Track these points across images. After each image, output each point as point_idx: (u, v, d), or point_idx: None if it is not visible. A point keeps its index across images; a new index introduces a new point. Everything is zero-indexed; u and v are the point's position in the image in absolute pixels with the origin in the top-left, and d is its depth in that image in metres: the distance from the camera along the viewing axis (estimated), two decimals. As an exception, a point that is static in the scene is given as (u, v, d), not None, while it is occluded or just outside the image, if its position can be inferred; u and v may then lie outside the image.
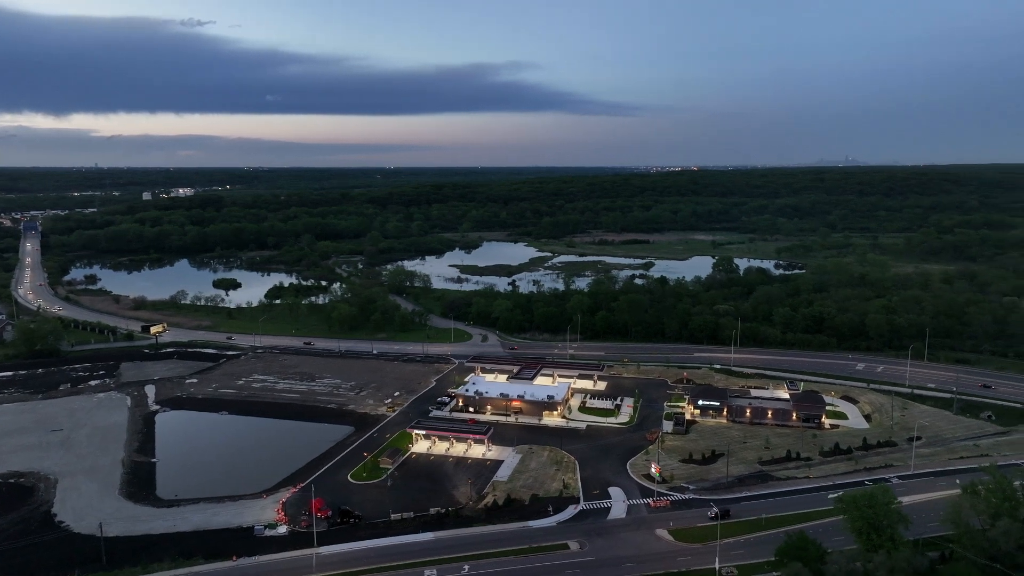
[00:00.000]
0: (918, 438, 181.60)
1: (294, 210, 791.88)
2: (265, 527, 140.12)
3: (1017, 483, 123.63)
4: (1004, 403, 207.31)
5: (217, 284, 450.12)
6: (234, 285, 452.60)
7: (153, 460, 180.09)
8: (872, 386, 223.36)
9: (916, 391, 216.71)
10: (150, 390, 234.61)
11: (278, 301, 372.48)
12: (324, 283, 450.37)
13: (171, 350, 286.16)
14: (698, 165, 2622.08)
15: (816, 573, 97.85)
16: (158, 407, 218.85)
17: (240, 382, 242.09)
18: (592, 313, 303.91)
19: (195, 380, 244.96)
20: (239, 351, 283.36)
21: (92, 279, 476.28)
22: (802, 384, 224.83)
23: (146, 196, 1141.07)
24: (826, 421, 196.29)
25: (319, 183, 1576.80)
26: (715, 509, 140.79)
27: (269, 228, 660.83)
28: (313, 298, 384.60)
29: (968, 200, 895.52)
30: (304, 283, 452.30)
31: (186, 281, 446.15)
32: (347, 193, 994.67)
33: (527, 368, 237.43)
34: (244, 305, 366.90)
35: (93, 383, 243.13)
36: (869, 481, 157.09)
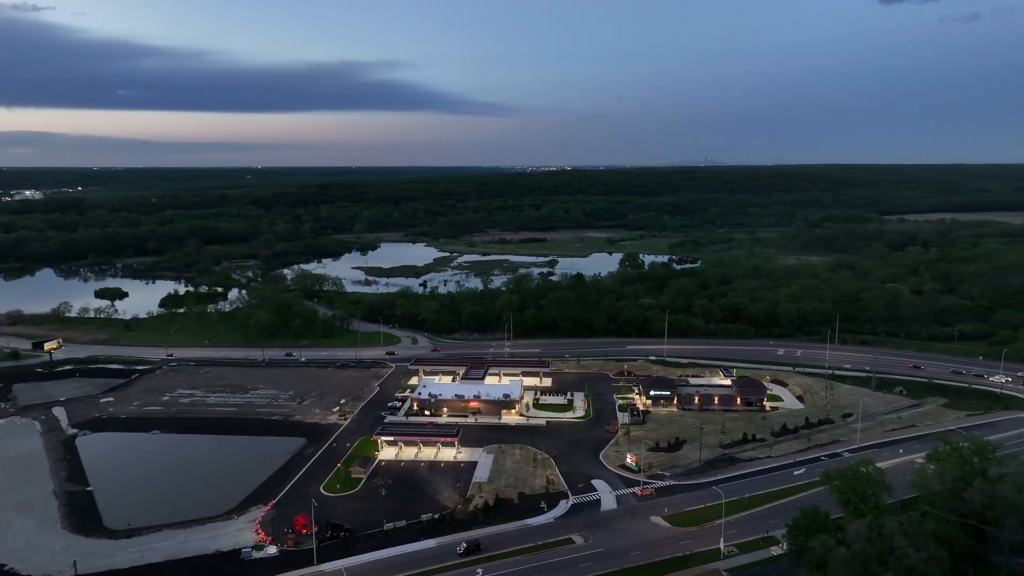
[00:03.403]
0: (850, 415, 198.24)
1: (170, 213, 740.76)
2: (252, 549, 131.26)
3: (964, 444, 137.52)
4: (911, 379, 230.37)
5: (100, 294, 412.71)
6: (120, 294, 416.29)
7: (88, 488, 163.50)
8: (797, 369, 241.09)
9: (836, 372, 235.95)
10: (60, 412, 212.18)
11: (182, 310, 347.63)
12: (220, 289, 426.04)
13: (69, 367, 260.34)
14: (571, 165, 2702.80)
15: (839, 542, 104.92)
16: (76, 430, 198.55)
17: (165, 398, 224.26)
18: (521, 311, 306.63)
19: (111, 399, 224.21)
20: (151, 364, 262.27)
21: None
22: (735, 370, 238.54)
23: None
24: (767, 404, 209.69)
25: (186, 184, 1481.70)
26: (464, 544, 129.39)
27: (147, 233, 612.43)
28: (213, 305, 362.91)
29: (823, 197, 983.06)
30: (198, 290, 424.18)
31: (56, 292, 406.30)
32: (226, 194, 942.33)
33: (475, 368, 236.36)
34: (144, 315, 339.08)
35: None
36: (825, 456, 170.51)
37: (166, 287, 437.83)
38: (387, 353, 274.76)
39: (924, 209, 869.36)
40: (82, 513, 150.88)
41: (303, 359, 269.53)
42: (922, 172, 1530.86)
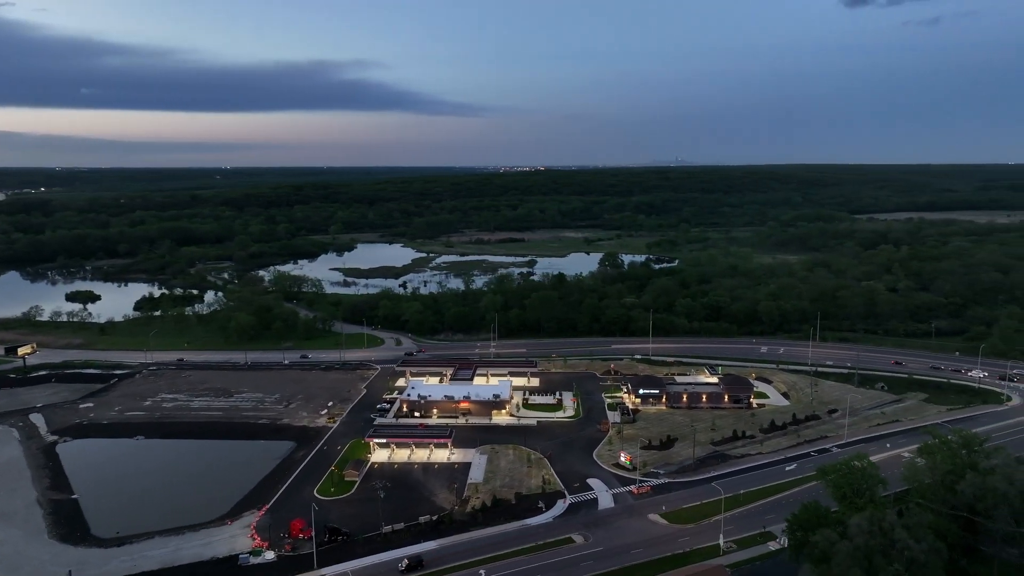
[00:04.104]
0: (835, 410, 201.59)
1: (140, 214, 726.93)
2: (250, 554, 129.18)
3: (951, 438, 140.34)
4: (891, 374, 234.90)
5: (71, 297, 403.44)
6: (92, 297, 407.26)
7: (73, 496, 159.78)
8: (781, 367, 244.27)
9: (818, 369, 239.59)
10: (38, 419, 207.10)
11: (157, 313, 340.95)
12: (196, 292, 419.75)
13: (44, 373, 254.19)
14: (544, 165, 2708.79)
15: (841, 536, 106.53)
16: (56, 437, 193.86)
17: (147, 403, 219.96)
18: (504, 311, 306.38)
19: (91, 404, 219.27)
20: (130, 369, 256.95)
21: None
22: (720, 368, 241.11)
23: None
24: (754, 401, 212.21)
25: (154, 184, 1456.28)
26: (405, 561, 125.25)
27: (118, 234, 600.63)
28: (189, 308, 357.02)
29: (793, 196, 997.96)
30: (173, 292, 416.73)
31: (24, 295, 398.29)
32: (198, 195, 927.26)
33: (463, 368, 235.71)
34: (120, 319, 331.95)
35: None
36: (814, 452, 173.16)
37: (139, 290, 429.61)
38: (407, 354, 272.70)
39: (891, 208, 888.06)
40: (68, 522, 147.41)
41: (286, 361, 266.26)
42: (888, 172, 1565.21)
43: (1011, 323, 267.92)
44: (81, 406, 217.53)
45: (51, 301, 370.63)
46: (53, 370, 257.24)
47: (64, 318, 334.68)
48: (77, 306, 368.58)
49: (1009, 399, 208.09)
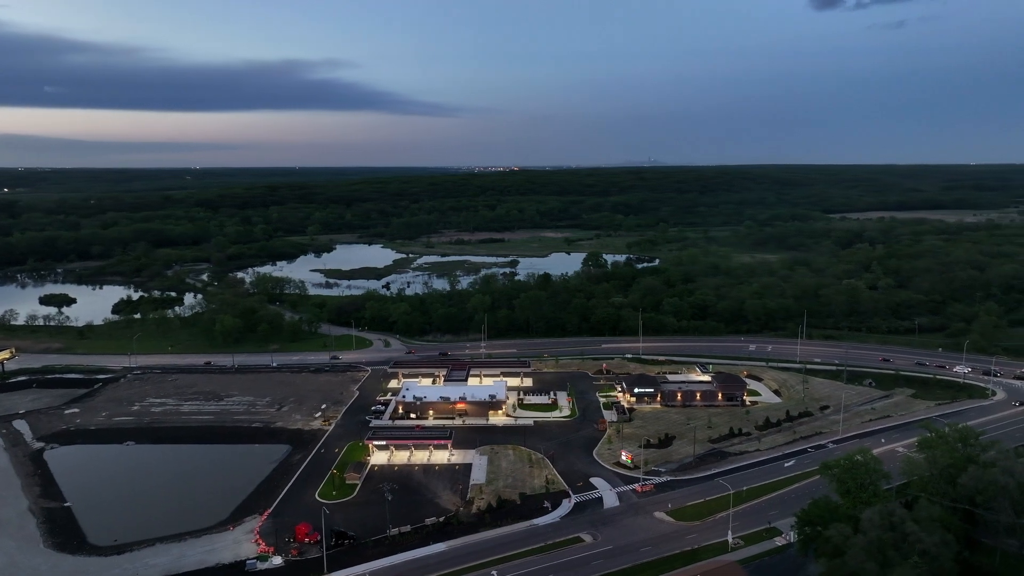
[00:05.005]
0: (827, 407, 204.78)
1: (112, 215, 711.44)
2: (257, 560, 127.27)
3: (946, 429, 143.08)
4: (878, 371, 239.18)
5: (45, 300, 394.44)
6: (67, 301, 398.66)
7: (66, 504, 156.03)
8: (770, 364, 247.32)
9: (807, 366, 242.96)
10: (22, 425, 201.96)
11: (137, 316, 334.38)
12: (174, 294, 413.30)
13: (24, 378, 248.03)
14: (519, 165, 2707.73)
15: (853, 529, 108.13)
16: (43, 444, 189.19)
17: (135, 407, 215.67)
18: (493, 312, 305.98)
19: (76, 409, 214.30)
20: (114, 373, 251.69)
21: None
22: (711, 366, 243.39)
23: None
24: (747, 399, 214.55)
25: (122, 185, 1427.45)
26: None
27: (91, 236, 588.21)
28: (170, 311, 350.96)
29: (767, 196, 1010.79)
30: (152, 295, 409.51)
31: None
32: (170, 196, 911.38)
33: (456, 369, 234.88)
34: (100, 322, 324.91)
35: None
36: (811, 448, 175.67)
37: (115, 292, 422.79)
38: (440, 354, 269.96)
39: (863, 208, 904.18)
40: (63, 530, 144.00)
41: (274, 363, 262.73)
42: (857, 172, 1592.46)
43: (990, 319, 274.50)
44: (66, 412, 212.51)
45: (24, 304, 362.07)
46: (33, 375, 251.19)
47: (40, 322, 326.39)
48: (52, 309, 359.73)
49: (994, 394, 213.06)
